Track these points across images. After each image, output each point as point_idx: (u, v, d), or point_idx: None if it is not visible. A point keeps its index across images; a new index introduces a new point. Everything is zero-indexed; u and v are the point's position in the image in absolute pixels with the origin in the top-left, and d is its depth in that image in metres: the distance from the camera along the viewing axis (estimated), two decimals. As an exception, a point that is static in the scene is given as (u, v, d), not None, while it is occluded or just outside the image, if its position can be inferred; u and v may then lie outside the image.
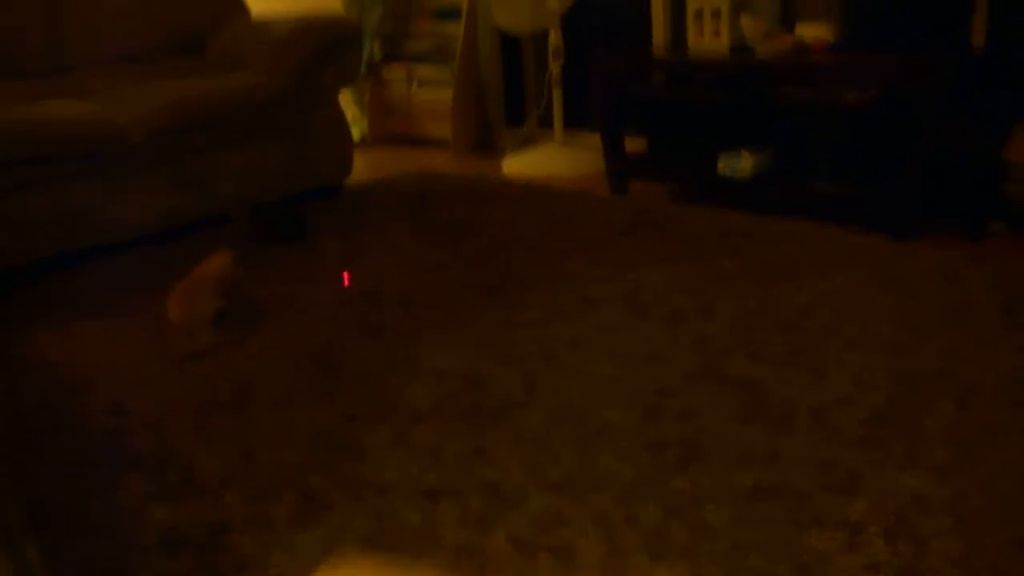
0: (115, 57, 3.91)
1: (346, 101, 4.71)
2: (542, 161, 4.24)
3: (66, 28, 3.83)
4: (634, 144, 3.74)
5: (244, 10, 4.24)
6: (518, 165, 4.28)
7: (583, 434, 1.83)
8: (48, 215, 3.17)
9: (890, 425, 1.78)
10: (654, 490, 1.62)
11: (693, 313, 2.39)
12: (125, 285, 2.98)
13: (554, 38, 4.17)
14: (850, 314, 2.32)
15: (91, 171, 3.27)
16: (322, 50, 3.76)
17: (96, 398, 2.17)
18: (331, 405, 2.03)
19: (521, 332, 2.34)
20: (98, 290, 2.97)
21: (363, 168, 4.25)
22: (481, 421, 1.91)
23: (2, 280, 3.03)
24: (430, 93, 4.79)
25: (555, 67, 4.20)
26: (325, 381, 2.16)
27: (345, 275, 2.81)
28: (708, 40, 3.54)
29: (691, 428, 1.83)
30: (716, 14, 3.51)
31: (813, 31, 3.27)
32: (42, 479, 1.83)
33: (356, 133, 4.81)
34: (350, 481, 1.73)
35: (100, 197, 3.28)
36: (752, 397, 1.93)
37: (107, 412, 2.10)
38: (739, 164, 3.33)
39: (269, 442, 1.89)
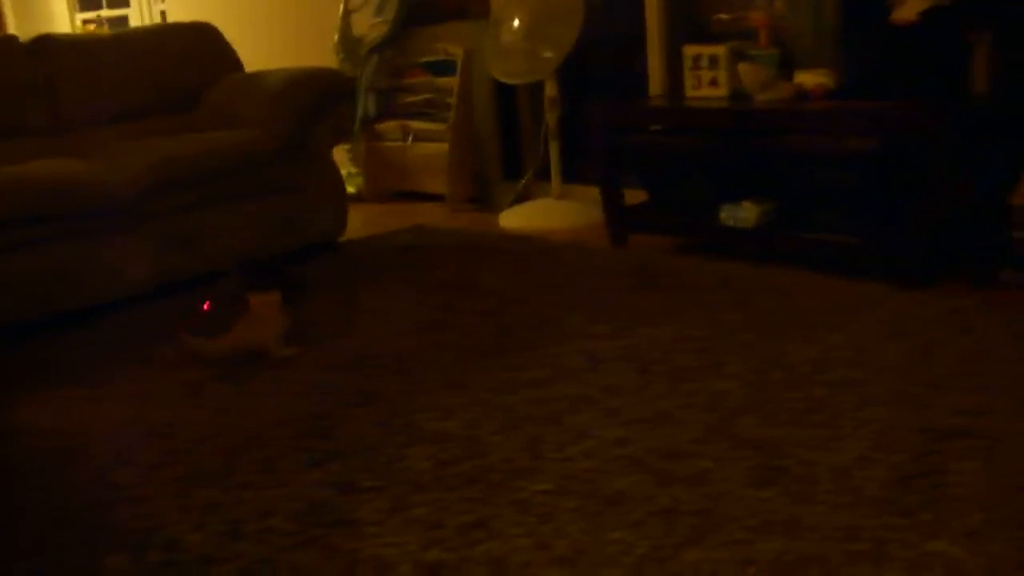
0: (110, 116, 3.88)
1: (341, 157, 4.66)
2: (539, 214, 4.18)
3: (63, 89, 3.82)
4: (634, 196, 3.68)
5: (238, 66, 4.21)
6: (515, 219, 4.22)
7: (591, 503, 1.73)
8: (36, 276, 3.11)
9: (915, 487, 1.68)
10: (668, 565, 1.52)
11: (701, 370, 2.30)
12: (114, 348, 2.89)
13: (550, 89, 4.13)
14: (864, 367, 2.23)
15: (81, 230, 3.21)
16: (316, 105, 3.73)
17: (81, 468, 2.08)
18: (324, 474, 1.94)
19: (523, 394, 2.25)
20: (86, 353, 2.88)
21: (359, 224, 4.19)
22: (483, 490, 1.81)
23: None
24: (425, 148, 4.75)
25: (551, 119, 4.16)
26: (318, 448, 2.06)
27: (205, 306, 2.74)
28: (706, 88, 3.50)
29: (705, 494, 1.73)
30: (714, 62, 3.47)
31: (813, 78, 3.22)
32: (21, 557, 1.73)
33: (351, 188, 4.75)
34: (344, 557, 1.63)
35: (90, 256, 3.22)
36: (767, 459, 1.84)
37: (92, 482, 2.00)
38: (742, 214, 3.26)
39: (257, 515, 1.79)
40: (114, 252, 3.27)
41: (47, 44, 3.88)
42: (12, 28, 7.90)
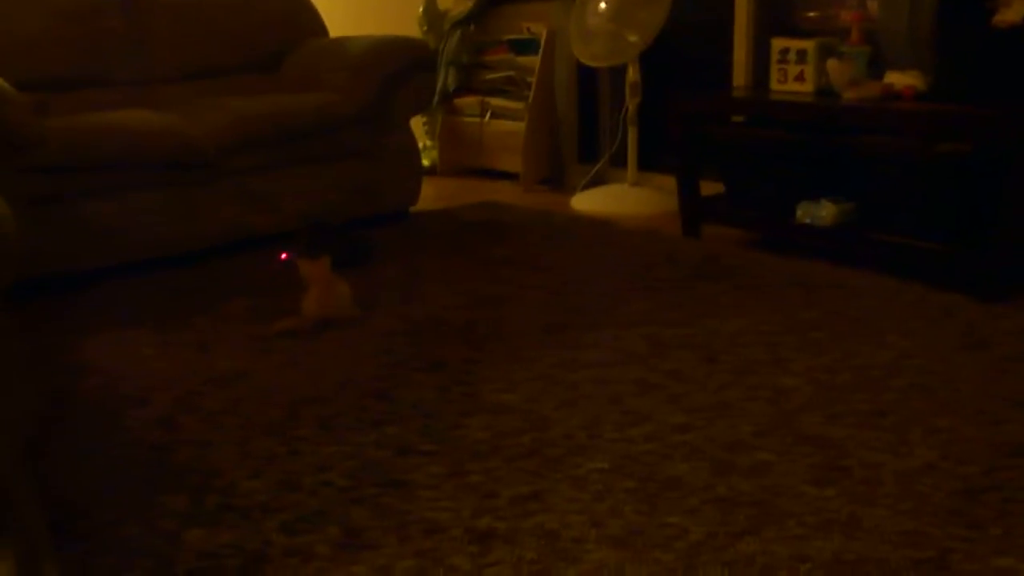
0: (196, 72, 3.94)
1: (418, 129, 4.67)
2: (613, 199, 4.14)
3: (152, 42, 3.88)
4: (709, 187, 3.63)
5: (323, 30, 4.24)
6: (588, 202, 4.19)
7: (647, 486, 1.71)
8: (115, 222, 3.18)
9: (984, 500, 1.63)
10: (722, 553, 1.50)
11: (767, 364, 2.26)
12: (186, 297, 2.94)
13: (632, 74, 4.09)
14: (937, 376, 2.17)
15: (161, 181, 3.27)
16: (397, 74, 3.74)
17: (148, 410, 2.12)
18: (383, 435, 1.95)
19: (586, 373, 2.23)
20: (158, 301, 2.94)
21: (431, 196, 4.20)
22: (540, 463, 1.80)
23: (64, 285, 3.02)
24: (503, 125, 4.74)
25: (631, 104, 4.12)
26: (378, 410, 2.07)
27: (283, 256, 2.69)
28: (792, 83, 3.43)
29: (763, 487, 1.70)
30: (802, 56, 3.40)
31: (903, 79, 3.14)
32: (82, 493, 1.76)
33: (426, 161, 4.77)
34: (397, 518, 1.63)
35: (168, 207, 3.27)
36: (830, 458, 1.80)
37: (156, 425, 2.04)
38: (819, 212, 3.20)
39: (315, 469, 1.81)
40: (192, 205, 3.32)
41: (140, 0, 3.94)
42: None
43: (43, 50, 3.59)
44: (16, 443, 0.92)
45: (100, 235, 3.15)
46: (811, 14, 3.85)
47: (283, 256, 2.69)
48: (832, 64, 3.28)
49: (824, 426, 1.93)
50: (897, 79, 3.15)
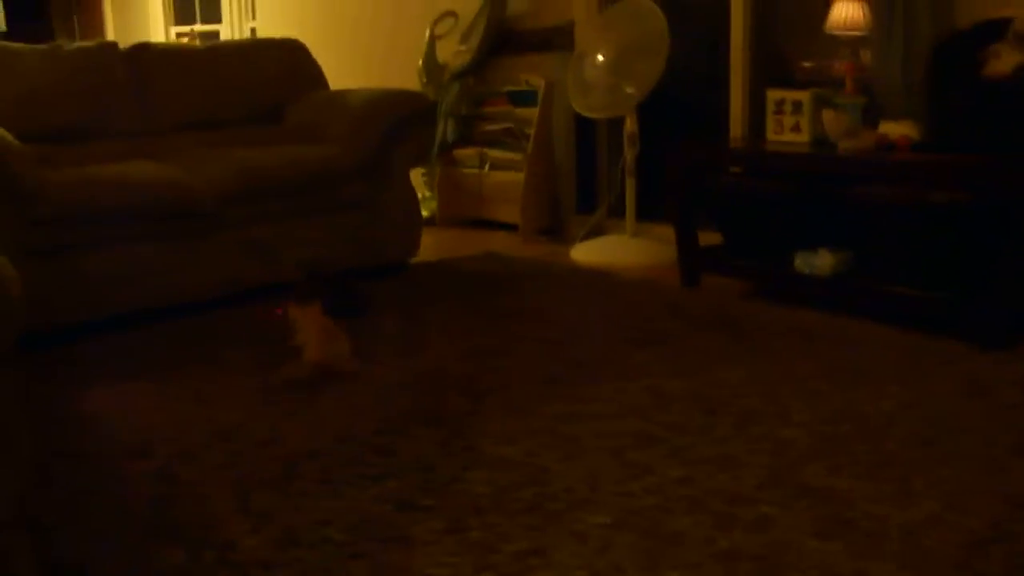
0: (197, 123, 3.98)
1: (417, 180, 4.71)
2: (612, 250, 4.16)
3: (153, 94, 3.92)
4: (708, 237, 3.65)
5: (323, 83, 4.29)
6: (587, 253, 4.20)
7: (649, 540, 1.70)
8: (115, 273, 3.19)
9: (991, 553, 1.62)
10: (727, 608, 1.49)
11: (768, 416, 2.26)
12: (185, 348, 2.94)
13: (630, 125, 4.13)
14: (938, 426, 2.16)
15: (162, 232, 3.28)
16: (397, 126, 3.77)
17: (147, 463, 2.11)
18: (383, 490, 1.93)
19: (586, 425, 2.23)
20: (158, 351, 2.93)
21: (431, 247, 4.22)
22: (541, 518, 1.79)
23: (62, 336, 3.01)
24: (501, 176, 4.77)
25: (629, 155, 4.15)
26: (378, 464, 2.06)
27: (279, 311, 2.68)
28: (788, 134, 3.46)
29: (766, 541, 1.69)
30: (797, 107, 3.43)
31: (898, 129, 3.17)
32: (80, 546, 1.75)
33: (425, 212, 4.79)
34: (397, 573, 1.62)
35: (168, 258, 3.29)
36: (833, 510, 1.79)
37: (155, 478, 2.03)
38: (817, 262, 3.21)
39: (314, 524, 1.80)
40: (191, 256, 3.34)
41: (143, 52, 3.99)
42: (111, 36, 8.17)
43: (46, 102, 3.63)
44: (15, 497, 0.91)
45: (100, 287, 3.16)
46: (806, 65, 3.91)
47: (278, 311, 2.69)
48: (827, 115, 3.31)
49: (827, 478, 1.92)
50: (892, 129, 3.19)
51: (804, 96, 3.41)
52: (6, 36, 7.28)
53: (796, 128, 3.45)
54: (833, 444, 2.08)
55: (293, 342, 2.62)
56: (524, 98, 4.73)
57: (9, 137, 3.02)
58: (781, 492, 1.87)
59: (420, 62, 5.11)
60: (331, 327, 2.65)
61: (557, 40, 4.67)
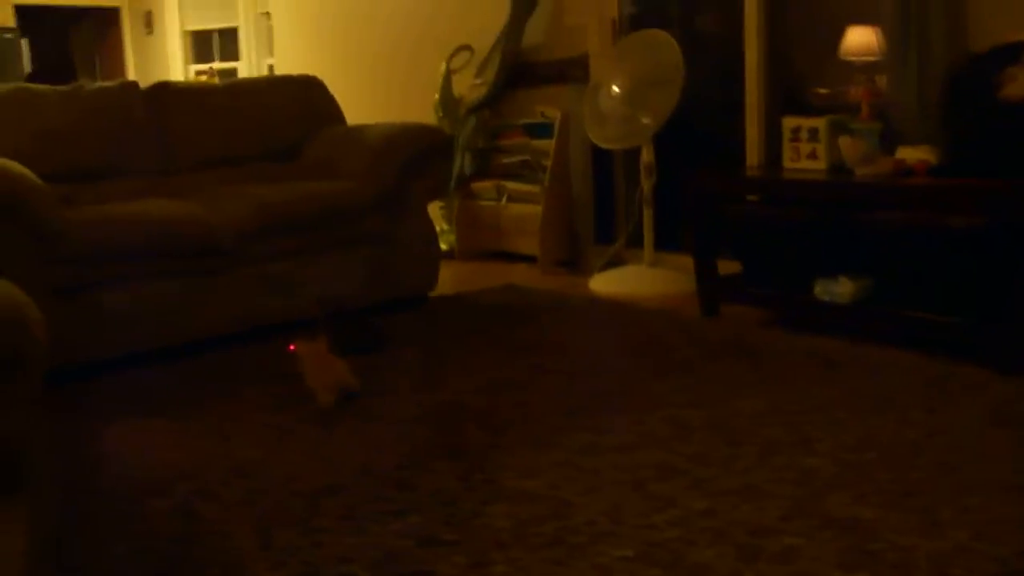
0: (217, 161, 4.02)
1: (435, 213, 4.73)
2: (631, 280, 4.16)
3: (172, 132, 3.96)
4: (727, 266, 3.64)
5: (340, 118, 4.33)
6: (606, 284, 4.20)
7: (673, 574, 1.68)
8: (134, 311, 3.21)
9: (1020, 583, 1.59)
10: (753, 643, 1.47)
11: (791, 445, 2.24)
12: (205, 384, 2.95)
13: (646, 155, 4.14)
14: (964, 453, 2.14)
15: (181, 269, 3.31)
16: (415, 160, 3.80)
17: (167, 500, 2.11)
18: (405, 525, 1.93)
19: (608, 457, 2.21)
20: (177, 387, 2.94)
21: (449, 280, 4.23)
22: (564, 552, 1.78)
23: (82, 373, 3.03)
24: (519, 208, 4.79)
25: (646, 185, 4.16)
26: (399, 499, 2.05)
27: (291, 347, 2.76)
28: (804, 161, 3.46)
29: (791, 573, 1.67)
30: (814, 134, 3.43)
31: (915, 154, 3.17)
32: (101, 588, 1.75)
33: (444, 245, 4.81)
34: (420, 611, 1.61)
35: (187, 295, 3.31)
36: (859, 541, 1.76)
37: (176, 516, 2.03)
38: (837, 289, 3.19)
39: (337, 561, 1.79)
40: (211, 292, 3.36)
41: (163, 91, 4.04)
42: (132, 75, 8.28)
43: (68, 141, 3.68)
44: (47, 537, 0.92)
45: (120, 324, 3.18)
46: (821, 91, 3.91)
47: (291, 348, 2.72)
48: (844, 141, 3.31)
49: (851, 507, 1.90)
50: (909, 154, 3.18)
51: (820, 123, 3.42)
52: (30, 78, 7.40)
53: (813, 155, 3.45)
54: (857, 473, 2.06)
55: (306, 383, 2.69)
56: (540, 130, 4.76)
57: (33, 177, 3.06)
58: (805, 523, 1.85)
59: (436, 96, 5.15)
60: (327, 357, 2.72)
61: (572, 72, 4.70)
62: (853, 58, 3.60)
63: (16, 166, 3.07)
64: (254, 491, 2.13)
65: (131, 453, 2.42)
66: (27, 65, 8.00)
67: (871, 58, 3.57)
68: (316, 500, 2.07)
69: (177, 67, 8.27)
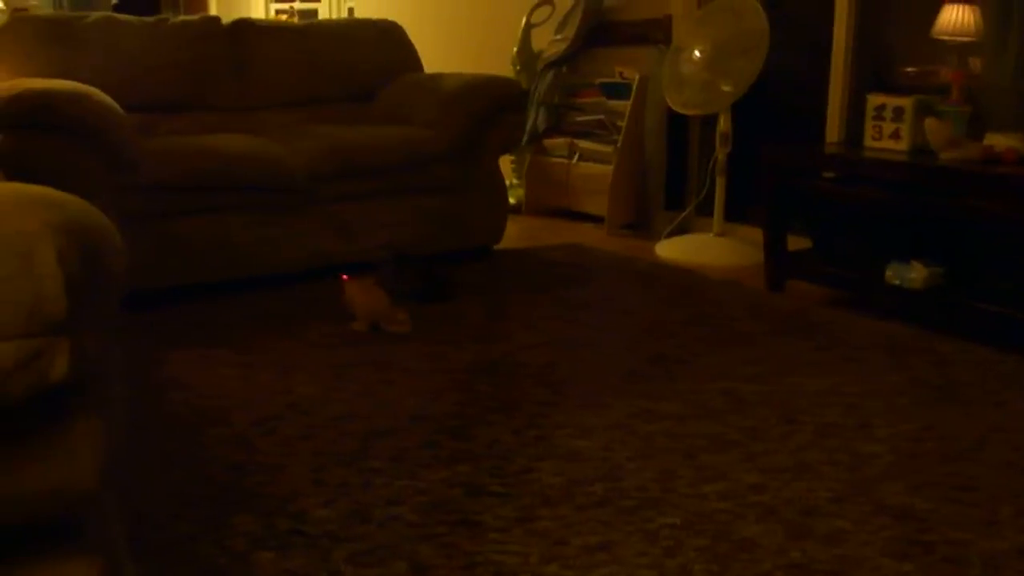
0: (292, 100, 4.04)
1: (505, 167, 4.71)
2: (697, 248, 4.11)
3: (253, 70, 3.99)
4: (796, 242, 3.58)
5: (418, 65, 4.32)
6: (672, 250, 4.16)
7: (719, 545, 1.68)
8: (205, 243, 3.26)
9: (1076, 588, 1.56)
10: (796, 621, 1.46)
11: (848, 428, 2.21)
12: (268, 320, 3.00)
13: (723, 123, 4.07)
14: (1029, 452, 2.09)
15: (252, 205, 3.35)
16: (489, 111, 3.78)
17: (226, 429, 2.16)
18: (454, 473, 1.95)
19: (662, 424, 2.21)
20: (241, 321, 2.99)
21: (514, 234, 4.22)
22: (612, 514, 1.78)
23: (148, 301, 3.09)
24: (590, 168, 4.75)
25: (721, 153, 4.10)
26: (451, 447, 2.07)
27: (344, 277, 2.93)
28: (887, 140, 3.37)
29: (838, 555, 1.65)
30: (898, 114, 3.34)
31: (1005, 141, 3.06)
32: (156, 508, 1.80)
33: (512, 199, 4.79)
34: (464, 559, 1.63)
35: (256, 231, 3.35)
36: (911, 531, 1.74)
37: (233, 445, 2.07)
38: (910, 274, 3.12)
39: (385, 502, 1.82)
40: (280, 230, 3.40)
41: (244, 27, 4.06)
42: (213, 10, 8.35)
43: (149, 73, 3.72)
44: (110, 460, 0.94)
45: (190, 254, 3.24)
46: (910, 70, 3.80)
47: (344, 277, 2.92)
48: (930, 123, 3.21)
49: (906, 497, 1.87)
50: (998, 141, 3.08)
51: (906, 102, 3.32)
52: (116, 8, 7.50)
53: (896, 135, 3.35)
54: (915, 463, 2.03)
55: (346, 304, 2.92)
56: (617, 90, 4.70)
57: (114, 106, 3.11)
58: (857, 507, 1.83)
59: (515, 49, 5.11)
60: (375, 293, 2.90)
61: (653, 33, 4.62)
62: (947, 37, 3.48)
63: (98, 94, 3.12)
64: (310, 427, 2.17)
65: (192, 382, 2.48)
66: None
67: (966, 38, 3.45)
68: (369, 441, 2.09)
69: (259, 4, 8.31)
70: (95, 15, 3.78)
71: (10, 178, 2.16)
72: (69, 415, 0.90)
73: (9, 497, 0.86)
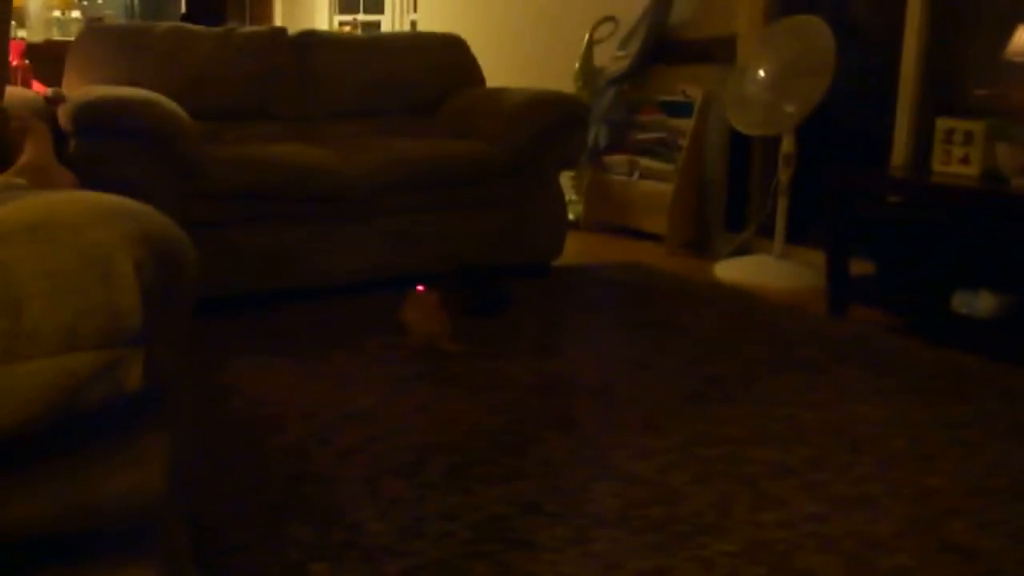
0: (355, 111, 4.08)
1: (565, 183, 4.71)
2: (757, 270, 4.06)
3: (316, 80, 4.03)
4: (858, 267, 3.52)
5: (480, 79, 4.33)
6: (732, 271, 4.12)
7: (778, 575, 1.64)
8: (265, 251, 3.30)
9: None
10: (858, 659, 1.42)
11: (913, 460, 2.16)
12: (327, 330, 3.02)
13: (786, 144, 4.02)
14: (1102, 492, 2.02)
15: (312, 215, 3.38)
16: (551, 128, 3.77)
17: (283, 438, 2.17)
18: (509, 491, 1.94)
19: (721, 449, 2.17)
20: (300, 331, 3.02)
21: (573, 251, 4.21)
22: (667, 539, 1.76)
23: (211, 309, 3.13)
24: (650, 186, 4.72)
25: (784, 175, 4.04)
26: (507, 464, 2.06)
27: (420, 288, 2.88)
28: (956, 165, 3.30)
29: (904, 592, 1.61)
30: (969, 138, 3.27)
31: (1082, 168, 2.98)
32: (213, 515, 1.81)
33: (571, 215, 4.78)
34: (519, 579, 1.61)
35: (316, 241, 3.38)
36: (979, 572, 1.69)
37: (290, 455, 2.09)
38: (978, 303, 3.05)
39: (440, 518, 1.81)
40: (339, 240, 3.42)
41: (309, 39, 4.12)
42: (279, 21, 8.49)
43: (216, 82, 3.79)
44: (177, 467, 0.95)
45: (251, 262, 3.27)
46: (981, 92, 3.72)
47: (419, 288, 2.88)
48: (1002, 147, 3.14)
49: (974, 534, 1.82)
50: (1073, 168, 3.00)
51: (977, 126, 3.25)
52: (184, 18, 7.65)
53: (965, 160, 3.28)
54: (983, 499, 1.97)
55: (402, 320, 2.88)
56: (679, 109, 4.67)
57: (181, 113, 3.17)
58: (921, 543, 1.78)
59: (577, 65, 5.11)
60: (433, 311, 2.83)
61: (718, 52, 4.59)
62: (1021, 59, 3.40)
63: (166, 102, 3.18)
64: (366, 439, 2.18)
65: (251, 390, 2.50)
66: (183, 7, 8.27)
67: (1042, 62, 3.37)
68: (425, 455, 2.09)
69: (323, 16, 8.43)
70: (165, 25, 3.86)
71: (84, 184, 2.20)
72: (140, 424, 0.91)
73: (81, 505, 0.87)
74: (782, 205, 4.07)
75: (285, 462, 2.05)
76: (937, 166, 3.36)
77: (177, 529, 1.15)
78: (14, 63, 4.10)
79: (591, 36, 5.09)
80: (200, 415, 2.30)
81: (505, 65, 5.37)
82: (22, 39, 5.28)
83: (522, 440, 2.19)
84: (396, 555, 1.68)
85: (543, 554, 1.70)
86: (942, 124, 3.36)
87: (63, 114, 3.03)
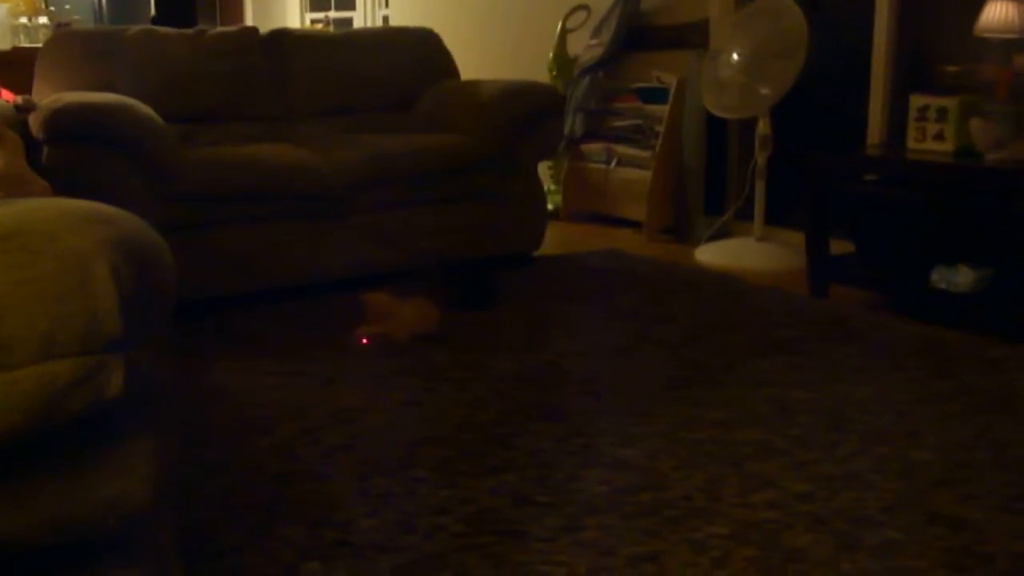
0: (330, 109, 4.06)
1: (542, 173, 4.71)
2: (738, 253, 4.07)
3: (291, 80, 4.01)
4: (838, 246, 3.54)
5: (454, 72, 4.32)
6: (712, 255, 4.13)
7: (769, 555, 1.66)
8: (246, 251, 3.29)
9: None
10: (850, 635, 1.43)
11: (897, 436, 2.17)
12: (309, 328, 3.01)
13: (762, 127, 4.03)
14: (1085, 460, 2.04)
15: (291, 214, 3.37)
16: (527, 118, 3.77)
17: (270, 439, 2.17)
18: (499, 483, 1.94)
19: (707, 432, 2.18)
20: (283, 330, 3.01)
21: (553, 241, 4.21)
22: (658, 523, 1.76)
23: (194, 311, 3.12)
24: (628, 173, 4.72)
25: (761, 157, 4.06)
26: (496, 456, 2.06)
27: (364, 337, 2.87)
28: (930, 142, 3.32)
29: (891, 568, 1.62)
30: (942, 114, 3.29)
31: (1054, 141, 3.01)
32: (205, 515, 1.80)
33: (549, 205, 4.78)
34: (511, 569, 1.62)
35: (296, 239, 3.37)
36: (966, 542, 1.70)
37: (278, 455, 2.08)
38: (956, 278, 3.07)
39: (431, 512, 1.81)
40: (318, 238, 3.41)
41: (281, 38, 4.09)
42: (250, 21, 8.43)
43: (189, 84, 3.76)
44: (165, 472, 0.94)
45: (230, 264, 3.26)
46: (952, 69, 3.74)
47: (364, 341, 2.87)
48: (975, 123, 3.16)
49: (959, 506, 1.83)
50: (1046, 141, 3.02)
51: (950, 103, 3.26)
52: (154, 20, 7.60)
53: (939, 136, 3.30)
54: (968, 471, 1.99)
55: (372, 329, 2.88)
56: (655, 95, 4.67)
57: (155, 117, 3.14)
58: (909, 517, 1.79)
59: (550, 55, 5.10)
60: (387, 306, 2.90)
61: (691, 37, 4.60)
62: (990, 34, 3.42)
63: (139, 106, 3.16)
64: (354, 436, 2.17)
65: (236, 391, 2.49)
66: (152, 9, 8.21)
67: (1011, 35, 3.39)
68: (414, 450, 2.09)
69: (294, 14, 8.37)
70: (135, 29, 3.82)
71: (58, 191, 2.18)
72: (123, 430, 0.91)
73: (68, 517, 0.87)
74: (760, 187, 4.08)
75: (273, 462, 2.05)
76: (912, 144, 3.38)
77: (166, 533, 1.15)
78: (-17, 72, 4.06)
79: (564, 25, 5.09)
80: (186, 418, 2.29)
81: (479, 57, 5.36)
82: (-10, 47, 5.23)
83: (510, 432, 2.19)
84: (388, 551, 1.68)
85: (535, 544, 1.70)
86: (915, 101, 3.38)
87: (34, 122, 3.00)
